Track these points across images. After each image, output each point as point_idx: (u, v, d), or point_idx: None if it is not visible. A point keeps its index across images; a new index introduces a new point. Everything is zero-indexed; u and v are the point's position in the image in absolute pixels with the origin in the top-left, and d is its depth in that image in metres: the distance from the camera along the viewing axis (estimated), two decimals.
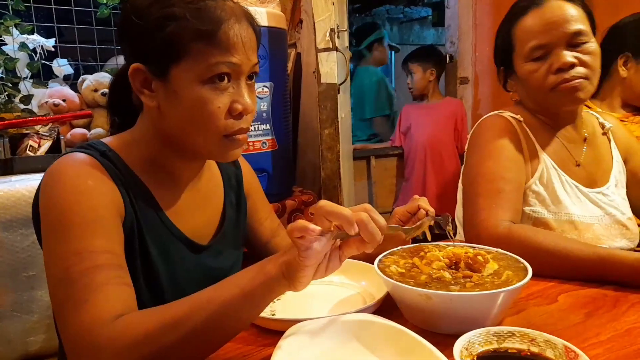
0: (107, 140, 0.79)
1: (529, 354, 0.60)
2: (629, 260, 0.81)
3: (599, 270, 0.84)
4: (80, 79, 1.88)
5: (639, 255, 0.82)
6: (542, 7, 1.04)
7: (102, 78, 1.84)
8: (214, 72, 0.70)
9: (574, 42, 1.02)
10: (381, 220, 0.60)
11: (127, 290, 0.67)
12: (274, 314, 0.78)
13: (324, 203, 0.59)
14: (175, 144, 0.77)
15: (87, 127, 1.81)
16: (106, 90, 1.78)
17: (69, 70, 1.89)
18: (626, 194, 1.16)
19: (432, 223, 0.84)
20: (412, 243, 0.87)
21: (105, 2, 1.84)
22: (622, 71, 1.51)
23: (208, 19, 0.69)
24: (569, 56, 1.01)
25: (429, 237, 0.86)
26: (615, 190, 1.12)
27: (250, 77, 0.76)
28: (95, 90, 1.82)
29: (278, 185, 1.80)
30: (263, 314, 0.76)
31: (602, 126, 1.20)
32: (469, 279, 0.70)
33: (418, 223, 0.80)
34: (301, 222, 0.56)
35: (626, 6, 1.85)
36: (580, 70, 1.01)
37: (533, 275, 0.69)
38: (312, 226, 0.56)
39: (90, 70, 2.06)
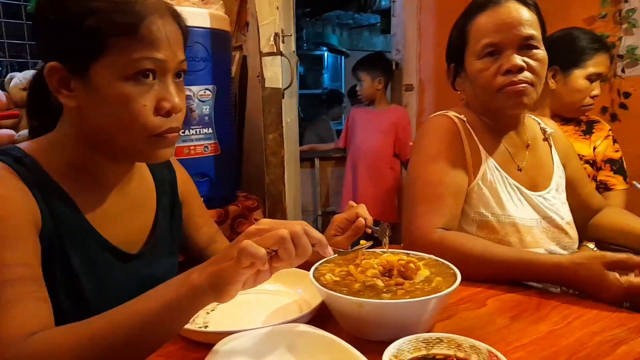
0: (23, 145, 0.74)
1: (455, 359, 0.61)
2: (548, 265, 0.85)
3: (522, 274, 0.88)
4: (7, 77, 1.76)
5: (558, 259, 0.85)
6: (499, 7, 1.04)
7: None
8: (137, 68, 0.68)
9: (525, 45, 1.02)
10: (316, 235, 0.61)
11: (42, 305, 0.63)
12: (206, 326, 0.76)
13: (265, 224, 0.60)
14: (99, 146, 0.74)
15: (15, 128, 1.70)
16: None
17: None
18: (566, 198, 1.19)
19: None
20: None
21: None
22: (551, 83, 1.60)
23: (129, 13, 0.67)
24: (518, 59, 1.01)
25: (386, 245, 0.86)
26: (556, 194, 1.14)
27: (178, 75, 0.74)
28: (25, 89, 1.71)
29: (221, 190, 1.76)
30: (194, 327, 0.74)
31: (544, 131, 1.22)
32: (400, 287, 0.71)
33: (355, 248, 0.80)
34: (257, 250, 0.55)
35: (559, 21, 1.95)
36: (527, 75, 1.01)
37: (464, 280, 0.71)
38: (262, 253, 0.56)
39: (21, 68, 1.94)
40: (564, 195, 1.18)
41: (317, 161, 3.18)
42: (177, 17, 0.75)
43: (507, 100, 1.04)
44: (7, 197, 0.66)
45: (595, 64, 1.58)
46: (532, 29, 1.02)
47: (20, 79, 1.72)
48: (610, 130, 1.74)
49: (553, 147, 1.21)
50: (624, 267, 0.81)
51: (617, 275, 0.79)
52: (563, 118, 1.68)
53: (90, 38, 0.67)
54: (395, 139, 2.86)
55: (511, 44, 1.02)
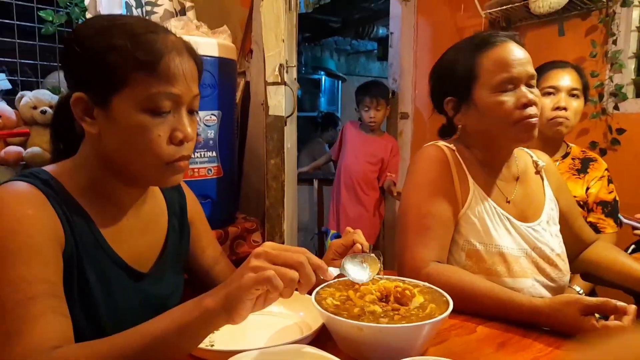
0: (49, 168, 0.80)
1: None
2: (525, 307, 0.88)
3: (502, 313, 0.91)
4: (18, 95, 1.81)
5: (535, 303, 0.88)
6: (506, 44, 1.09)
7: (42, 95, 1.79)
8: (154, 102, 0.74)
9: (530, 83, 1.08)
10: (317, 261, 0.65)
11: (63, 320, 0.67)
12: (212, 345, 0.80)
13: (270, 248, 0.63)
14: (116, 170, 0.79)
15: (24, 145, 1.75)
16: (46, 108, 1.73)
17: (5, 85, 1.82)
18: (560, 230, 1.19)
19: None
20: None
21: (51, 20, 1.81)
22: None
23: (150, 51, 0.73)
24: (530, 94, 1.07)
25: (381, 271, 0.90)
26: (546, 226, 1.15)
27: (190, 112, 0.80)
28: (35, 108, 1.76)
29: (222, 212, 1.81)
30: (201, 345, 0.78)
31: (536, 164, 1.24)
32: (397, 312, 0.76)
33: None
34: (278, 282, 0.60)
35: (549, 60, 2.04)
36: (536, 109, 1.07)
37: (452, 311, 0.76)
38: (281, 285, 0.60)
39: (29, 85, 1.99)
40: (557, 227, 1.19)
41: (315, 182, 3.30)
42: (193, 54, 0.81)
43: (522, 133, 1.08)
44: (35, 217, 0.70)
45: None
46: (533, 69, 1.10)
47: (30, 97, 1.77)
48: (606, 169, 1.73)
49: (545, 180, 1.23)
50: (600, 312, 0.82)
51: (593, 320, 0.81)
52: (546, 145, 1.64)
53: (112, 73, 0.72)
54: (381, 166, 2.94)
55: (523, 80, 1.08)
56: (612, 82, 2.14)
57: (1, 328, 0.63)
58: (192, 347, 0.66)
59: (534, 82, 1.10)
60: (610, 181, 1.72)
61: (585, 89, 1.70)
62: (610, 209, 1.69)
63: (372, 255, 0.92)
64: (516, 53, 1.08)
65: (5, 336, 0.62)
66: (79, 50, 0.74)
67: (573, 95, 1.66)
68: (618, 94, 2.12)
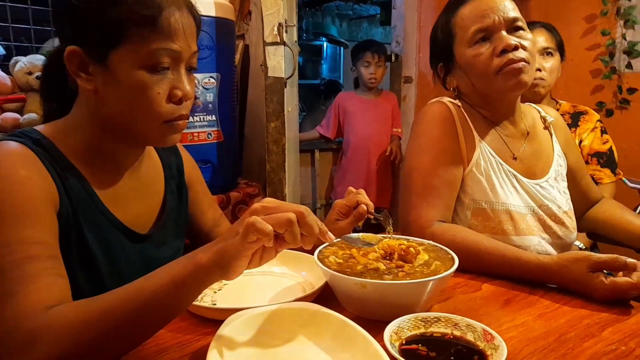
0: (40, 127, 0.77)
1: (452, 337, 0.65)
2: (532, 264, 0.87)
3: (509, 271, 0.90)
4: (12, 61, 1.77)
5: (542, 260, 0.86)
6: None
7: (37, 60, 1.74)
8: (154, 58, 0.71)
9: (513, 27, 1.03)
10: (318, 220, 0.62)
11: (60, 281, 0.66)
12: (214, 304, 0.79)
13: (270, 203, 0.60)
14: (113, 129, 0.77)
15: (20, 111, 1.72)
16: (41, 73, 1.69)
17: (0, 51, 1.78)
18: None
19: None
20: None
21: None
22: None
23: (149, 5, 0.70)
24: (511, 39, 1.01)
25: (390, 232, 0.88)
26: (554, 183, 1.12)
27: (189, 69, 0.77)
28: (30, 73, 1.72)
29: (223, 177, 1.79)
30: (203, 304, 0.77)
31: (544, 120, 1.20)
32: (401, 269, 0.74)
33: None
34: (264, 226, 0.56)
35: (559, 19, 1.97)
36: (522, 53, 1.02)
37: (458, 271, 0.74)
38: (269, 230, 0.56)
39: (24, 52, 1.95)
40: (564, 184, 1.16)
41: (317, 153, 3.14)
42: (192, 9, 0.77)
43: (507, 80, 1.03)
44: (28, 178, 0.68)
45: None
46: (516, 12, 1.05)
47: (25, 63, 1.73)
48: (598, 120, 1.72)
49: (554, 136, 1.20)
50: (609, 268, 0.81)
51: (602, 276, 0.79)
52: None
53: (111, 27, 0.69)
54: (391, 123, 2.91)
55: (500, 26, 1.03)
56: (625, 39, 2.07)
57: None
58: (186, 303, 0.64)
59: (520, 24, 1.04)
60: (604, 132, 1.71)
61: (559, 46, 1.69)
62: (606, 159, 1.69)
63: (380, 215, 0.90)
64: (490, 2, 1.04)
65: (2, 297, 0.61)
66: (75, 2, 0.71)
67: (548, 54, 1.66)
68: (632, 52, 2.04)
